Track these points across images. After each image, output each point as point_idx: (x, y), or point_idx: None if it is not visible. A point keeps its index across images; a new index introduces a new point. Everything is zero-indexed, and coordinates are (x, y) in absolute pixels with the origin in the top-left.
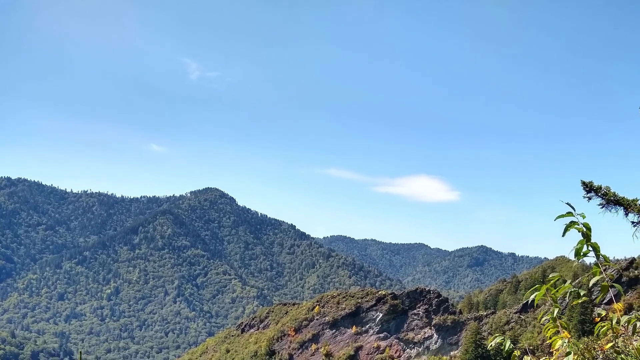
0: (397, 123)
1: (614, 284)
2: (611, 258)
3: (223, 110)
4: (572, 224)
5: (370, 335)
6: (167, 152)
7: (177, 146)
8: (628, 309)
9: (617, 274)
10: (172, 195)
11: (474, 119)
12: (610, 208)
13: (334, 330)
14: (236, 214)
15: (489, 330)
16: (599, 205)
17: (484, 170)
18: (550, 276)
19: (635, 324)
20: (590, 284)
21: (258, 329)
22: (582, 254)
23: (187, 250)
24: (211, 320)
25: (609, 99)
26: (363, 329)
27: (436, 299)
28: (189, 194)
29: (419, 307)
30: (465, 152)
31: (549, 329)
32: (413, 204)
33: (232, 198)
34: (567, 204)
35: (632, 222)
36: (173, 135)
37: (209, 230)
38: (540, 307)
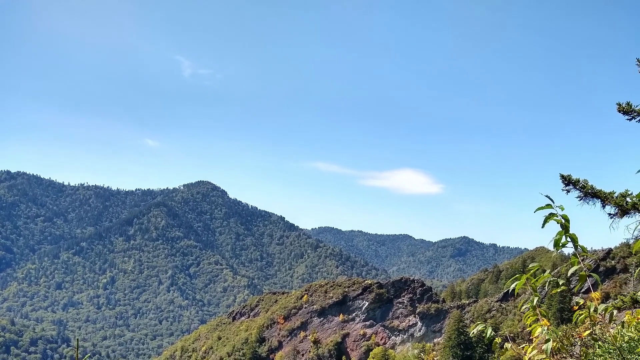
0: (382, 119)
1: (591, 273)
2: (589, 249)
3: (215, 106)
4: (551, 215)
5: (357, 323)
6: (161, 146)
7: (170, 141)
8: (605, 298)
9: (594, 264)
10: (165, 188)
11: (458, 115)
12: (588, 200)
13: (321, 318)
14: (227, 206)
15: (471, 318)
16: (577, 197)
17: (467, 164)
18: (530, 266)
19: (612, 312)
20: (569, 274)
21: (249, 317)
22: (561, 244)
23: (180, 241)
24: (203, 308)
25: (587, 96)
26: (350, 317)
27: (420, 288)
28: (182, 187)
29: (403, 296)
30: (448, 146)
31: (529, 317)
32: (398, 196)
33: (224, 191)
34: (547, 196)
35: (609, 214)
36: (167, 131)
37: (201, 222)
38: (520, 295)
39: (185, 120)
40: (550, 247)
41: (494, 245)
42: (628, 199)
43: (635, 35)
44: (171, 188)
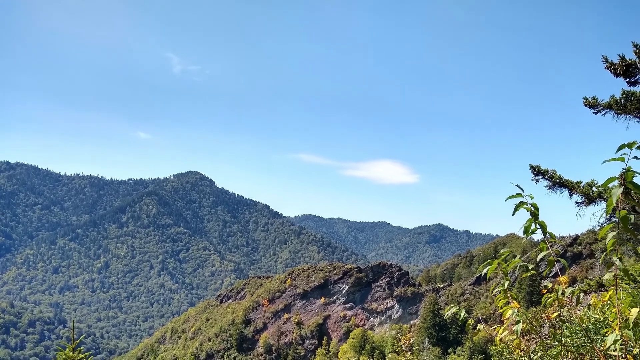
0: (362, 112)
1: (559, 258)
2: (557, 235)
3: (203, 100)
4: (521, 204)
5: (338, 306)
6: (152, 138)
7: (161, 133)
8: (572, 282)
9: (562, 250)
10: (156, 178)
11: (433, 108)
12: (556, 189)
13: (304, 301)
14: (215, 194)
15: (445, 301)
16: (545, 187)
17: (442, 155)
18: (501, 252)
19: (579, 295)
20: (538, 259)
21: (235, 300)
22: (530, 231)
23: (171, 228)
24: (192, 291)
25: (554, 90)
26: (331, 299)
27: (397, 273)
28: (172, 177)
29: (381, 280)
30: (424, 138)
31: (500, 300)
32: (376, 186)
33: (212, 180)
34: (517, 185)
35: (576, 203)
36: (158, 124)
37: (190, 210)
38: (492, 279)
39: (176, 113)
40: (521, 234)
41: (467, 232)
42: (594, 188)
43: (603, 32)
44: (162, 178)
